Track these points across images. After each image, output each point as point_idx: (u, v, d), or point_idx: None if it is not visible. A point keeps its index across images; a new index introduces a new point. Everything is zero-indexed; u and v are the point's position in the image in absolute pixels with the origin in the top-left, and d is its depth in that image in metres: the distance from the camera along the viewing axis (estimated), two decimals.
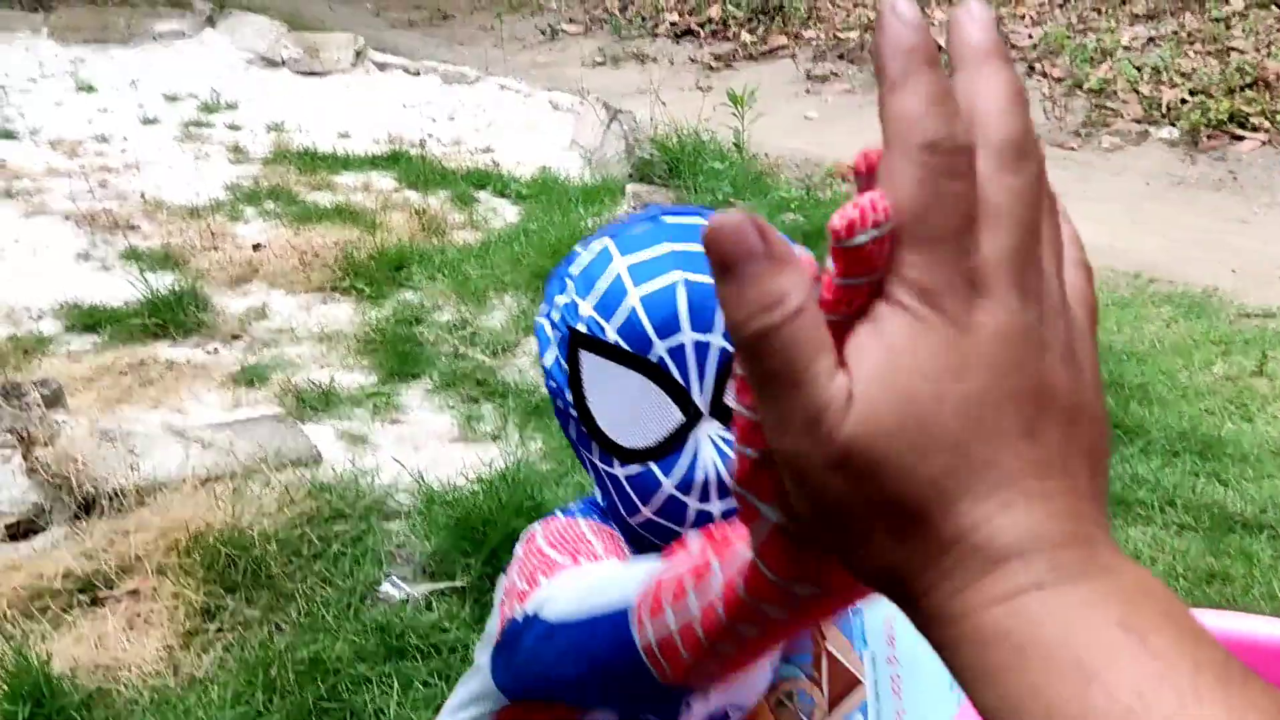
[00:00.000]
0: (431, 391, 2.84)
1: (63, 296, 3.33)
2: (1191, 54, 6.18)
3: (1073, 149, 5.37)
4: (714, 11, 7.92)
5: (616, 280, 0.87)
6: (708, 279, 0.84)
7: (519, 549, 0.93)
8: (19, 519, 2.14)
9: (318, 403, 2.71)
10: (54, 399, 2.40)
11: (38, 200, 4.16)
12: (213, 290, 3.43)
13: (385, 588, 2.09)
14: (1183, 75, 5.77)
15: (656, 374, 0.86)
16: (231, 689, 1.78)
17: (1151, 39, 6.40)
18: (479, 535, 2.09)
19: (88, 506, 2.20)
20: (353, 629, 1.94)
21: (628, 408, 0.88)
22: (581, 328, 0.88)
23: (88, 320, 3.19)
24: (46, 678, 1.67)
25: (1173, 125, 5.34)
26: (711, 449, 0.87)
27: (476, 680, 0.95)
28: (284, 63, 6.53)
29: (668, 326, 0.85)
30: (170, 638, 1.92)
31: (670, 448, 0.87)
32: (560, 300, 0.90)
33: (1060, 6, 7.37)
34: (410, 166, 4.63)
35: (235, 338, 3.18)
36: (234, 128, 5.40)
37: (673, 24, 7.93)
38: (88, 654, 1.88)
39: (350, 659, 1.88)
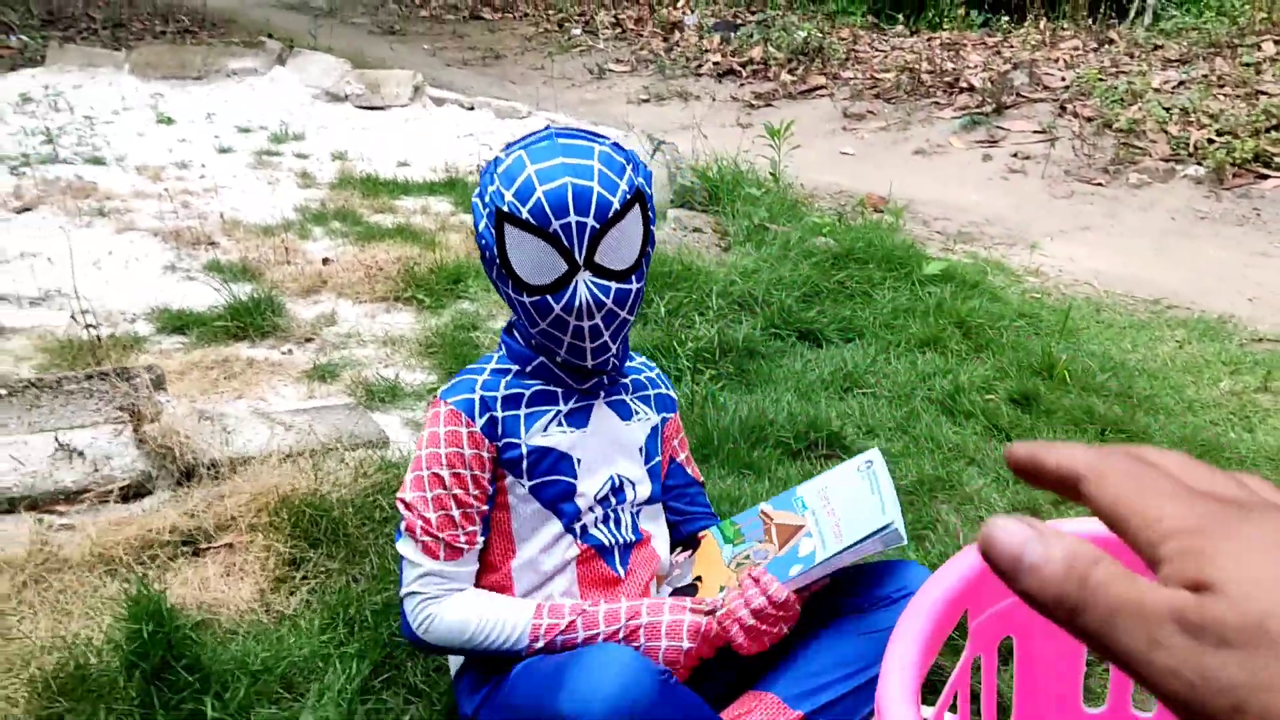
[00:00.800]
0: None
1: (153, 302, 3.66)
2: (1220, 96, 6.37)
3: (1100, 184, 5.57)
4: (755, 53, 8.24)
5: (528, 179, 1.34)
6: (587, 181, 1.33)
7: (428, 410, 1.53)
8: (130, 483, 2.42)
9: (385, 395, 2.99)
10: (158, 382, 2.69)
11: (127, 219, 4.51)
12: (286, 299, 3.73)
13: None
14: (1210, 116, 5.96)
15: (553, 240, 1.34)
16: (318, 624, 2.03)
17: (1182, 83, 6.60)
18: None
19: (188, 475, 2.48)
20: None
21: (534, 260, 1.36)
22: (505, 208, 1.35)
23: (176, 322, 3.50)
24: (162, 605, 1.93)
25: (1199, 164, 5.53)
26: (585, 288, 1.38)
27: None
28: (347, 98, 6.92)
29: (561, 211, 1.33)
30: (262, 583, 2.18)
31: (559, 286, 1.37)
32: (490, 189, 1.38)
33: (1094, 51, 7.59)
34: (466, 192, 4.94)
35: (308, 340, 3.47)
36: (301, 156, 5.77)
37: (715, 64, 8.26)
38: (193, 594, 2.14)
39: None
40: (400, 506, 1.52)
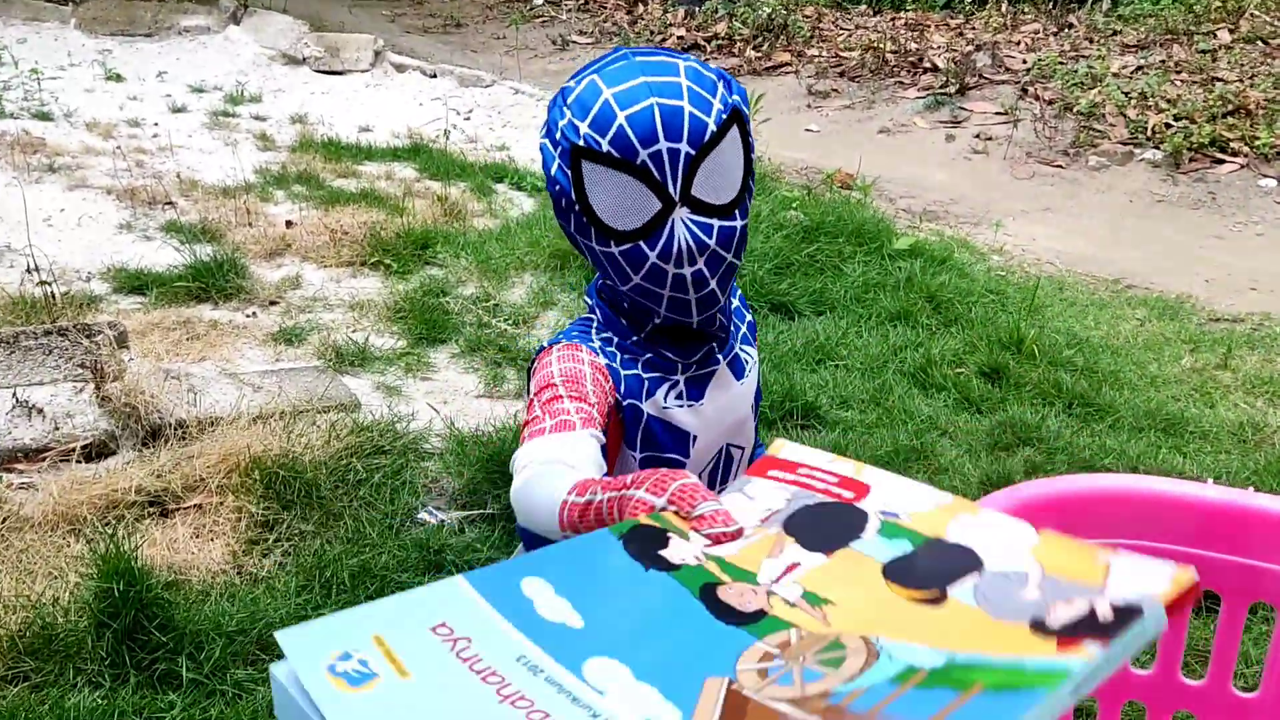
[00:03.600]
0: (457, 355, 3.06)
1: (110, 261, 3.55)
2: (1178, 82, 6.47)
3: (1060, 166, 5.64)
4: (720, 28, 8.20)
5: (605, 105, 1.12)
6: (676, 101, 1.12)
7: (535, 362, 1.22)
8: (92, 442, 2.35)
9: (355, 358, 2.93)
10: (121, 340, 2.61)
11: (79, 175, 4.38)
12: (249, 261, 3.65)
13: (422, 515, 2.31)
14: (1168, 101, 6.05)
15: (641, 174, 1.12)
16: (293, 585, 1.99)
17: (1140, 68, 6.69)
18: (505, 472, 2.31)
19: (154, 435, 2.41)
20: (395, 545, 2.16)
21: (620, 201, 1.14)
22: (581, 143, 1.13)
23: (134, 282, 3.41)
24: (132, 564, 1.87)
25: (1156, 148, 5.61)
26: (683, 227, 1.14)
27: None
28: (305, 60, 6.78)
29: (649, 138, 1.11)
30: (234, 544, 2.13)
31: (652, 228, 1.14)
32: (561, 123, 1.16)
33: (1054, 35, 7.67)
34: (431, 159, 4.87)
35: (273, 303, 3.40)
36: (259, 118, 5.64)
37: (680, 38, 8.20)
38: (162, 555, 2.09)
39: (395, 568, 2.10)
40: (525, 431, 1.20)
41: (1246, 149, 5.45)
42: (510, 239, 3.79)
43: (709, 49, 7.95)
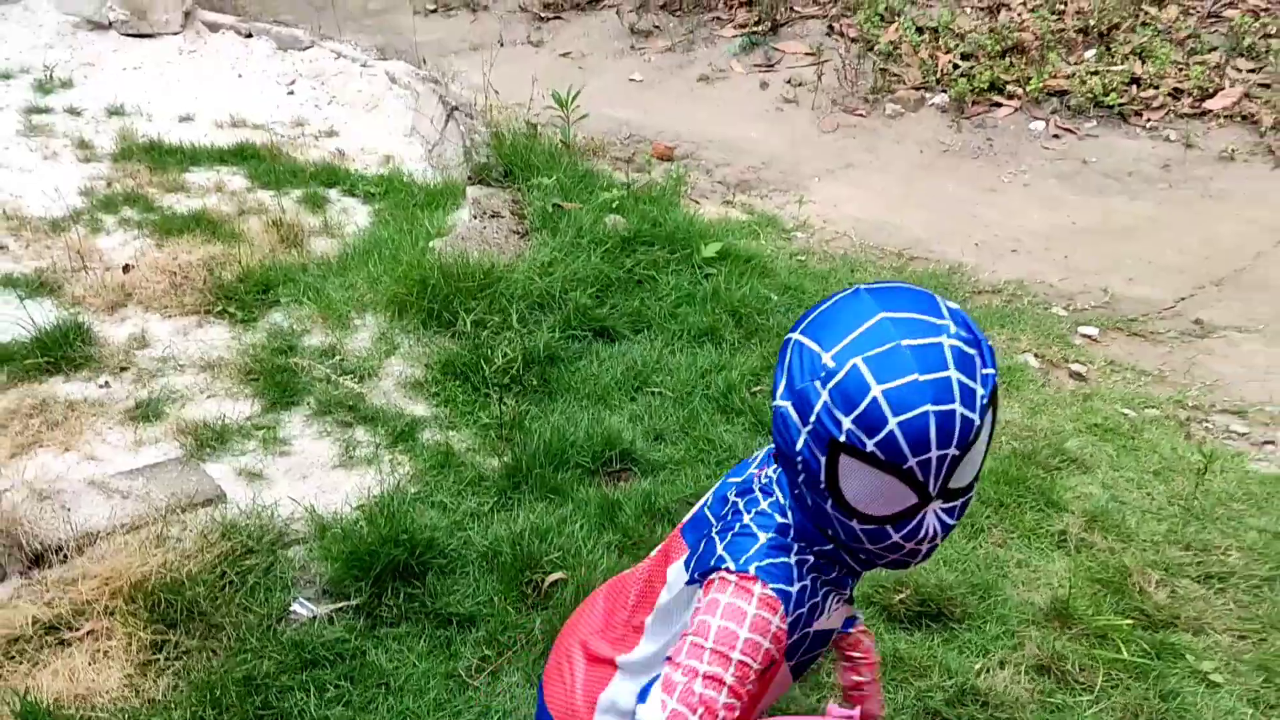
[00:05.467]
0: (310, 418, 3.36)
1: None
2: (970, 10, 6.90)
3: (862, 115, 6.08)
4: None
5: (875, 406, 1.11)
6: (949, 406, 1.11)
7: (723, 577, 1.26)
8: None
9: (213, 441, 3.21)
10: None
11: None
12: (92, 317, 3.79)
13: (295, 608, 2.68)
14: (958, 37, 6.50)
15: (905, 475, 1.14)
16: (187, 709, 2.36)
17: None
18: (366, 563, 2.69)
19: (37, 560, 2.69)
20: (274, 648, 2.53)
21: (875, 493, 1.16)
22: (843, 438, 1.13)
23: None
24: (42, 709, 2.21)
25: (944, 92, 6.10)
26: (934, 517, 1.19)
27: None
28: (111, 25, 6.55)
29: (920, 448, 1.12)
30: (129, 668, 2.47)
31: (903, 517, 1.18)
32: (816, 405, 1.14)
33: None
34: (261, 165, 4.95)
35: (123, 369, 3.58)
36: (74, 112, 5.54)
37: None
38: (65, 686, 2.41)
39: (275, 673, 2.47)
40: (683, 674, 1.23)
41: (1021, 91, 5.99)
42: (349, 273, 4.03)
43: None
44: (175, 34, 6.55)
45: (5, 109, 5.49)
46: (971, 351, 1.14)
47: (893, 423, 1.11)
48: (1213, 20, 6.65)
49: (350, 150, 5.23)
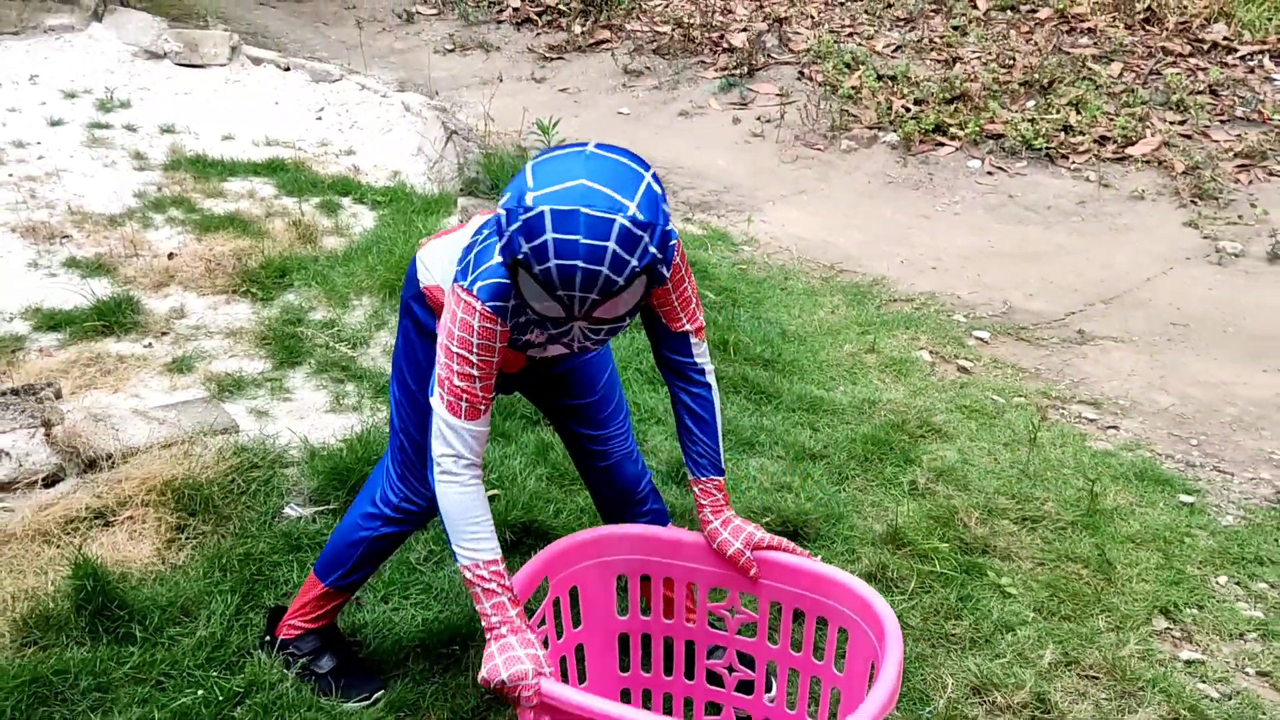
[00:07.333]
0: (310, 375, 4.13)
1: (26, 301, 4.46)
2: (928, 61, 7.67)
3: (820, 149, 6.83)
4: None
5: (544, 244, 1.53)
6: (598, 267, 1.53)
7: (459, 298, 1.83)
8: (48, 474, 3.39)
9: (233, 387, 3.98)
10: (58, 394, 3.62)
11: None
12: (140, 294, 4.59)
13: (287, 510, 3.43)
14: (913, 85, 7.26)
15: (557, 299, 1.58)
16: (201, 570, 3.10)
17: (900, 47, 7.86)
18: (345, 477, 3.44)
19: (91, 465, 3.45)
20: (268, 535, 3.26)
21: (539, 299, 1.62)
22: (521, 257, 1.57)
23: (50, 322, 4.33)
24: (95, 566, 2.95)
25: (895, 131, 6.84)
26: (579, 330, 1.82)
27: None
28: (166, 55, 7.45)
29: (567, 285, 1.55)
30: (158, 543, 3.22)
31: (557, 323, 1.72)
32: (514, 225, 1.56)
33: (839, 5, 8.76)
34: (287, 176, 5.78)
35: (164, 334, 4.38)
36: (131, 129, 6.40)
37: (515, 10, 9.02)
38: (109, 554, 3.17)
39: (268, 552, 3.20)
40: (438, 359, 1.87)
41: (961, 134, 6.72)
42: (352, 264, 4.81)
43: (540, 23, 8.81)
44: (222, 66, 7.44)
45: (71, 123, 6.37)
46: (640, 233, 1.54)
47: (552, 262, 1.53)
48: (1154, 76, 7.39)
49: (364, 166, 6.05)
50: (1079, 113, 6.88)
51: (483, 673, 1.90)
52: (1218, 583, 3.30)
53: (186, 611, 2.97)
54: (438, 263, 2.16)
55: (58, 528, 3.24)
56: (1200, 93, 7.03)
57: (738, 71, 7.62)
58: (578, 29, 8.55)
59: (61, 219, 5.18)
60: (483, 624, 1.96)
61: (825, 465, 3.75)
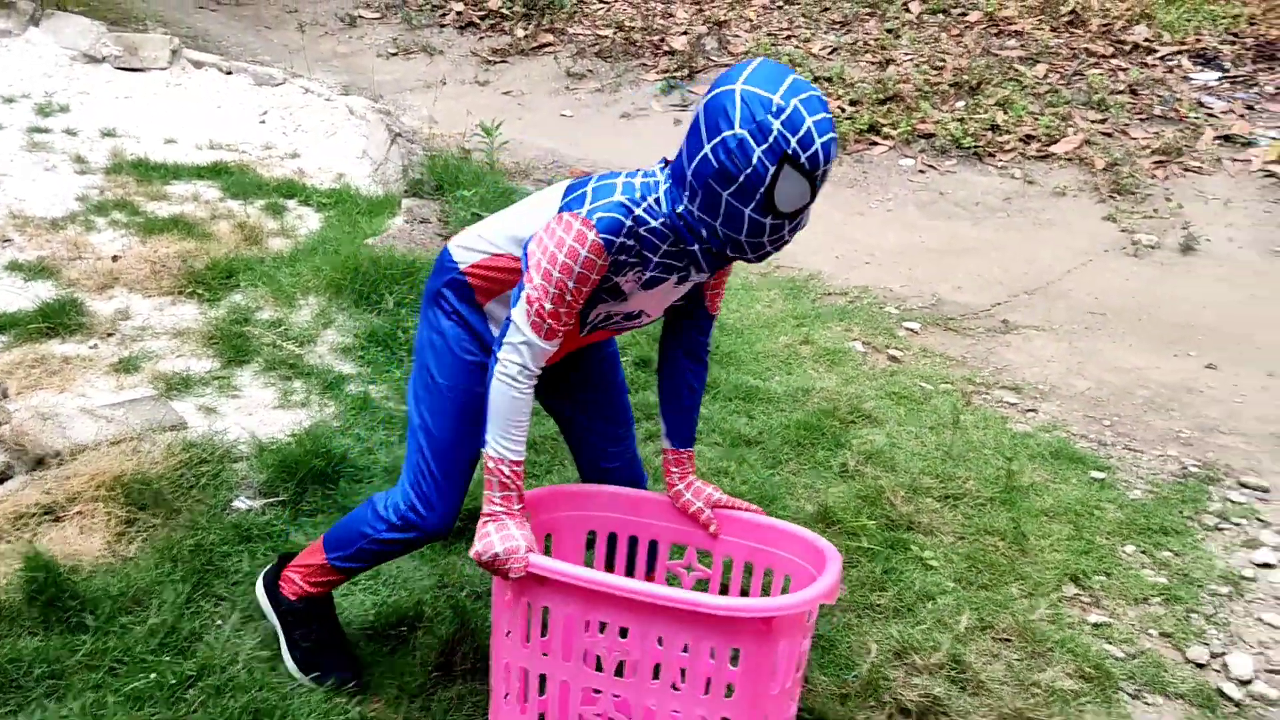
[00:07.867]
0: (258, 373, 4.20)
1: None
2: (863, 63, 7.90)
3: None
4: (493, 3, 9.14)
5: (809, 131, 1.75)
6: (834, 135, 1.80)
7: (573, 224, 1.94)
8: None
9: (180, 385, 4.04)
10: (4, 394, 3.66)
11: None
12: (84, 296, 4.63)
13: (236, 503, 3.51)
14: (848, 86, 7.48)
15: (813, 182, 1.79)
16: (152, 561, 3.17)
17: (835, 49, 8.09)
18: (293, 470, 3.53)
19: (39, 463, 3.51)
20: (218, 527, 3.34)
21: (795, 195, 1.79)
22: (790, 152, 1.74)
23: None
24: (46, 559, 3.02)
25: None
26: (788, 226, 1.87)
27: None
28: (105, 59, 7.44)
29: (827, 161, 1.80)
30: (109, 537, 3.28)
31: (798, 214, 1.86)
32: (773, 129, 1.73)
33: (777, 9, 8.97)
34: (231, 179, 5.83)
35: (109, 335, 4.42)
36: (71, 133, 6.40)
37: (458, 14, 9.11)
38: (60, 548, 3.23)
39: (219, 543, 3.28)
40: (529, 279, 1.96)
41: (894, 134, 6.95)
42: (298, 264, 4.89)
43: (483, 27, 8.91)
44: (163, 69, 7.44)
45: (9, 128, 6.35)
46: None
47: (818, 143, 1.76)
48: (1078, 77, 7.67)
49: (309, 169, 6.11)
50: (1006, 112, 7.14)
51: (476, 547, 2.08)
52: (1125, 551, 3.51)
53: (138, 601, 3.04)
54: (499, 233, 2.18)
55: (7, 523, 3.29)
56: (1120, 92, 7.33)
57: (679, 74, 7.78)
58: (520, 32, 8.66)
59: (2, 223, 5.19)
60: (485, 509, 2.13)
61: (760, 450, 3.91)
